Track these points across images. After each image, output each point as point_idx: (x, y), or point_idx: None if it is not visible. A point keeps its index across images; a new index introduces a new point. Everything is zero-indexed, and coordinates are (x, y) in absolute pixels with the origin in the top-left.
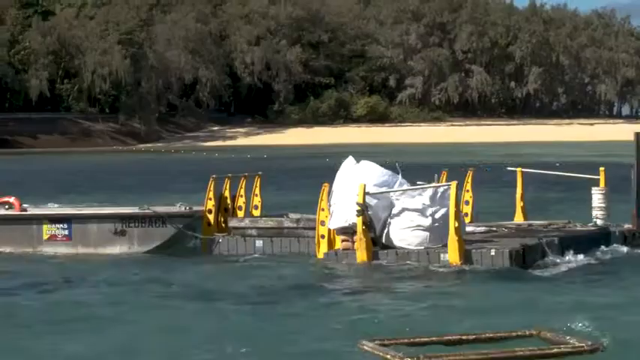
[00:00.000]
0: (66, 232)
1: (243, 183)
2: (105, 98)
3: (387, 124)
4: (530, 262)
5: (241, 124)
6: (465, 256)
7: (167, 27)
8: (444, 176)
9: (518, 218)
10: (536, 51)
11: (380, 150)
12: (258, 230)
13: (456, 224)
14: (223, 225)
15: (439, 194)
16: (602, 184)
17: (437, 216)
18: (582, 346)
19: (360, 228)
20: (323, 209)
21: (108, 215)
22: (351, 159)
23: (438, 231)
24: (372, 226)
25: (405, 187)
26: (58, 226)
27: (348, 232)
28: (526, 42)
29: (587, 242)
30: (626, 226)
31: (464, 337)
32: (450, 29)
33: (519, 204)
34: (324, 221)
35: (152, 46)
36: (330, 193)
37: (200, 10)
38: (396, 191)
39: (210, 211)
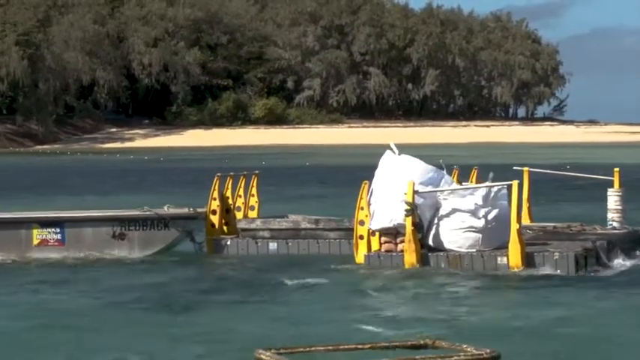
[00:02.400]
0: (58, 236)
1: (242, 182)
2: (2, 99)
3: (285, 126)
4: (589, 266)
5: (139, 126)
6: (527, 259)
7: (64, 28)
8: (456, 174)
9: (525, 220)
10: (433, 53)
11: (282, 152)
12: (272, 232)
13: (517, 226)
14: (225, 227)
15: (492, 194)
16: (616, 185)
17: (490, 217)
18: (481, 354)
19: (409, 229)
20: (362, 208)
21: (105, 218)
22: (389, 154)
23: (490, 233)
24: (422, 226)
25: (452, 185)
26: (49, 230)
27: (391, 232)
28: (423, 44)
29: (629, 244)
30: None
31: (359, 346)
32: (347, 31)
33: (525, 205)
34: (363, 221)
35: (49, 47)
36: (369, 191)
37: (97, 11)
38: (447, 190)
39: (214, 212)
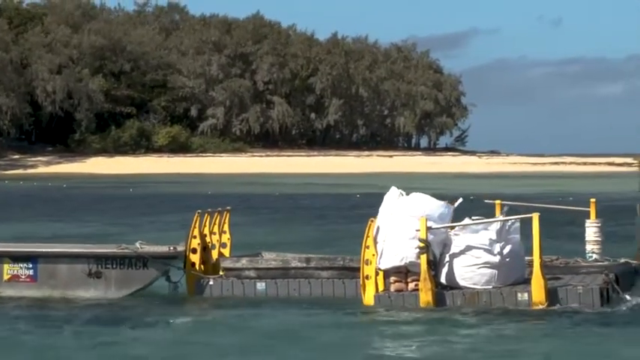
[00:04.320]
0: (30, 272)
1: (217, 219)
2: None
3: (188, 155)
4: (611, 300)
5: (42, 153)
6: (549, 295)
7: None
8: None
9: None
10: (337, 83)
11: (185, 180)
12: (258, 271)
13: (540, 260)
14: (202, 266)
15: (506, 228)
16: (592, 216)
17: (505, 252)
18: None
19: (423, 267)
20: (368, 247)
21: (81, 254)
22: (394, 190)
23: (506, 269)
24: (435, 263)
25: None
26: (21, 265)
27: (402, 271)
28: (326, 74)
29: (631, 277)
30: (622, 260)
31: None
32: (251, 60)
33: None
34: (369, 260)
35: None
36: (376, 229)
37: (1, 37)
38: (460, 225)
39: (194, 251)
